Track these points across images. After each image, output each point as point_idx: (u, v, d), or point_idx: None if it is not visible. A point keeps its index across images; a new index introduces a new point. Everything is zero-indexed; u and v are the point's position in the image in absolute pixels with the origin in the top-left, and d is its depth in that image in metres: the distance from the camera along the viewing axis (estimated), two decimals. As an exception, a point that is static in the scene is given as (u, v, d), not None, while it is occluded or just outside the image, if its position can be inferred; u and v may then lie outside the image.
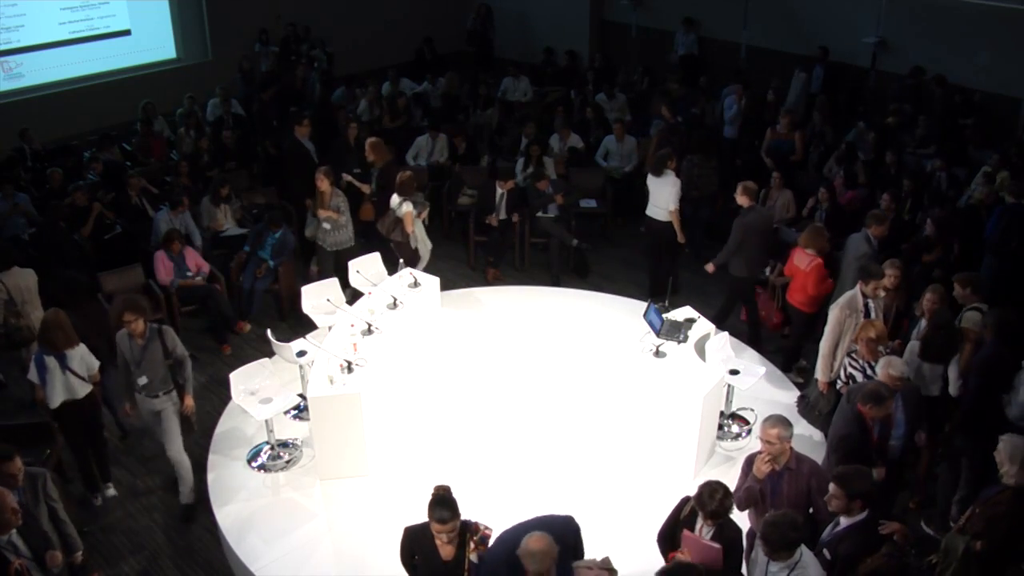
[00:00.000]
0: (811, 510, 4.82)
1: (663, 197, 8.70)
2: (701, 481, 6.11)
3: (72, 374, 6.14)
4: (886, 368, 5.41)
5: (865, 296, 6.49)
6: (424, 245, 8.74)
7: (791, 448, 4.84)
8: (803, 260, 7.43)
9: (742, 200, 7.85)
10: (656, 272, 9.15)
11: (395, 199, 8.44)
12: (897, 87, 11.68)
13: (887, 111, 10.87)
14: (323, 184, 8.45)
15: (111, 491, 6.71)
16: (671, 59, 14.27)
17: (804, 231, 7.64)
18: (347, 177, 9.43)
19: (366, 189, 9.46)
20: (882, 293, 6.52)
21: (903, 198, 8.94)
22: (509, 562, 4.13)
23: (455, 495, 4.36)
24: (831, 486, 4.45)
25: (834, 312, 6.53)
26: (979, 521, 4.92)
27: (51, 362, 6.07)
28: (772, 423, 4.79)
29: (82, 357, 6.20)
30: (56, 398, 6.12)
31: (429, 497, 4.36)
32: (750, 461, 5.01)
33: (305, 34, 14.54)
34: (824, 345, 6.54)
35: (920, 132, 10.63)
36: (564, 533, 4.28)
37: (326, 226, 8.58)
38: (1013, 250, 8.02)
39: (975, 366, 5.96)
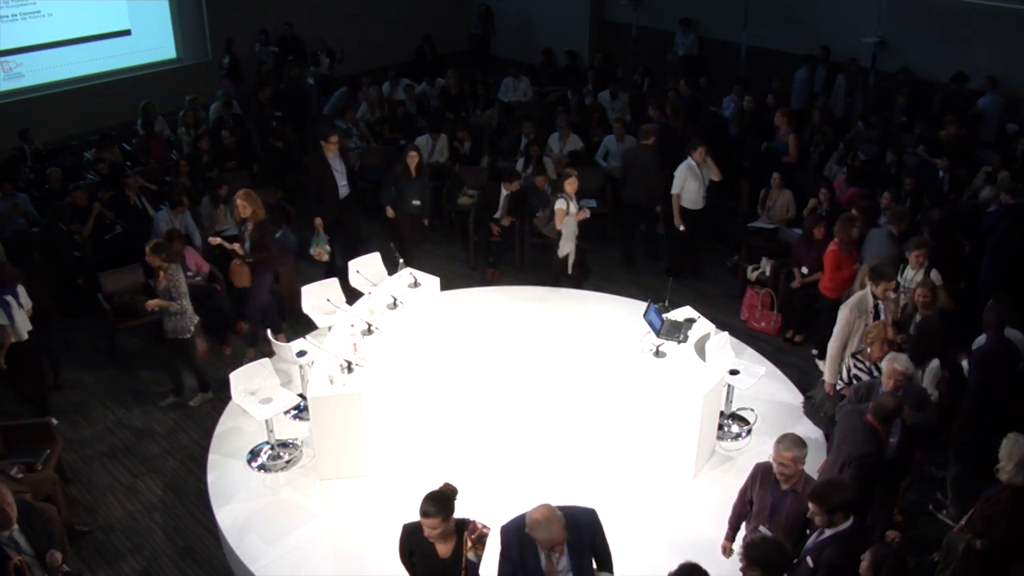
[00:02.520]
0: (808, 531, 4.73)
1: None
2: (701, 481, 6.19)
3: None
4: (892, 363, 5.41)
5: (875, 297, 6.43)
6: (565, 244, 8.70)
7: (803, 471, 4.73)
8: (828, 248, 7.67)
9: (643, 137, 9.71)
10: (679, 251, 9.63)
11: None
12: (941, 96, 11.57)
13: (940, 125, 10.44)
14: (154, 262, 7.07)
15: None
16: (670, 60, 14.27)
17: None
18: (215, 240, 8.10)
19: (238, 250, 7.87)
20: (892, 295, 6.49)
21: (903, 197, 8.94)
22: (521, 542, 4.23)
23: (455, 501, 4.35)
24: (809, 504, 4.36)
25: (843, 313, 6.50)
26: (979, 520, 4.94)
27: (11, 299, 6.78)
28: (787, 445, 4.65)
29: (24, 294, 7.00)
30: (23, 330, 6.89)
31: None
32: (758, 472, 4.90)
33: (294, 41, 14.44)
34: (832, 346, 6.51)
35: (919, 132, 10.63)
36: (581, 525, 4.30)
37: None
38: (1013, 251, 8.02)
39: (976, 359, 6.03)
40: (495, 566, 4.44)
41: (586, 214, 8.84)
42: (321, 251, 8.98)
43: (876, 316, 6.45)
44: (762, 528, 4.74)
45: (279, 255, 8.12)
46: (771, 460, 4.74)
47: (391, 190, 9.21)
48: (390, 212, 9.25)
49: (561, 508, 4.22)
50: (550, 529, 4.08)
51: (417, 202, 9.10)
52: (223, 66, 13.67)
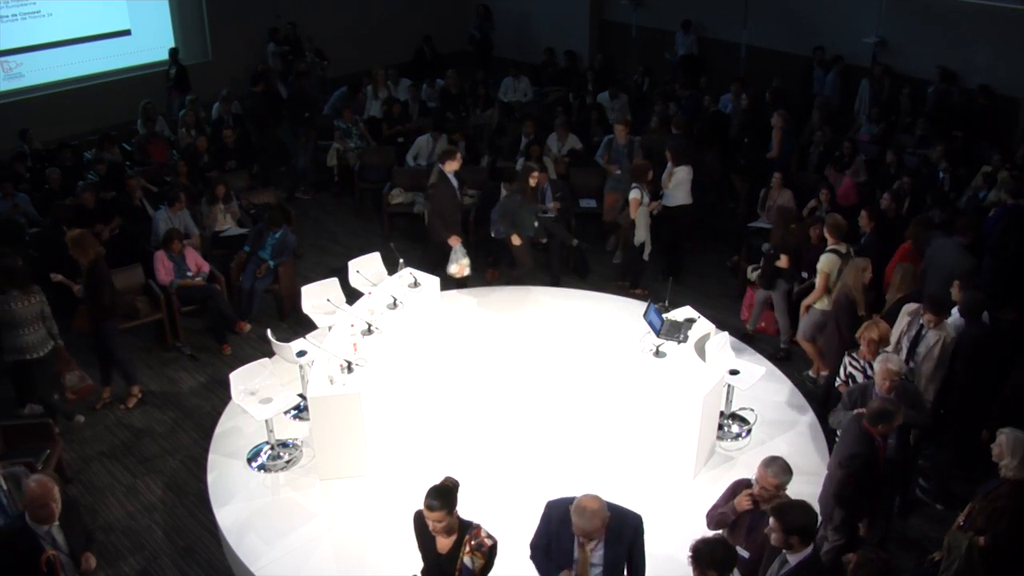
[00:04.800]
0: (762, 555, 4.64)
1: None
2: (701, 482, 6.19)
3: None
4: (884, 363, 5.41)
5: (920, 321, 6.24)
6: (640, 233, 8.80)
7: (784, 495, 4.62)
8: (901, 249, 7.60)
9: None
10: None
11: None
12: (932, 93, 11.58)
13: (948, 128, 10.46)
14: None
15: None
16: (669, 59, 14.27)
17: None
18: (56, 276, 7.62)
19: (75, 291, 7.46)
20: (948, 328, 6.22)
21: (900, 196, 8.96)
22: (562, 520, 4.27)
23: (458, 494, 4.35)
24: (772, 520, 4.24)
25: (903, 313, 6.42)
26: (980, 516, 4.92)
27: None
28: (774, 472, 4.53)
29: None
30: None
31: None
32: (736, 487, 4.84)
33: (297, 40, 14.42)
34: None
35: (920, 132, 10.65)
36: (625, 526, 4.32)
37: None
38: (1012, 251, 8.02)
39: (960, 347, 6.13)
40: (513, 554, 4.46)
41: (658, 206, 8.96)
42: (463, 267, 8.58)
43: (916, 341, 6.25)
44: (739, 548, 4.64)
45: (116, 304, 7.48)
46: (754, 480, 4.63)
47: (508, 219, 8.67)
48: (517, 240, 8.65)
49: (612, 506, 4.27)
50: (591, 520, 4.12)
51: (536, 223, 8.85)
52: (169, 77, 13.18)
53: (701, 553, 4.02)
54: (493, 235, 9.12)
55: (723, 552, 4.03)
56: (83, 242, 7.19)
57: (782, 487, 4.57)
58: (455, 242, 8.56)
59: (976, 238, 7.71)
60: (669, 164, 9.15)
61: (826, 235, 7.44)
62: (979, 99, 11.15)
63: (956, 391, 6.14)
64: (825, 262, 7.26)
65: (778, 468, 4.57)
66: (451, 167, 8.61)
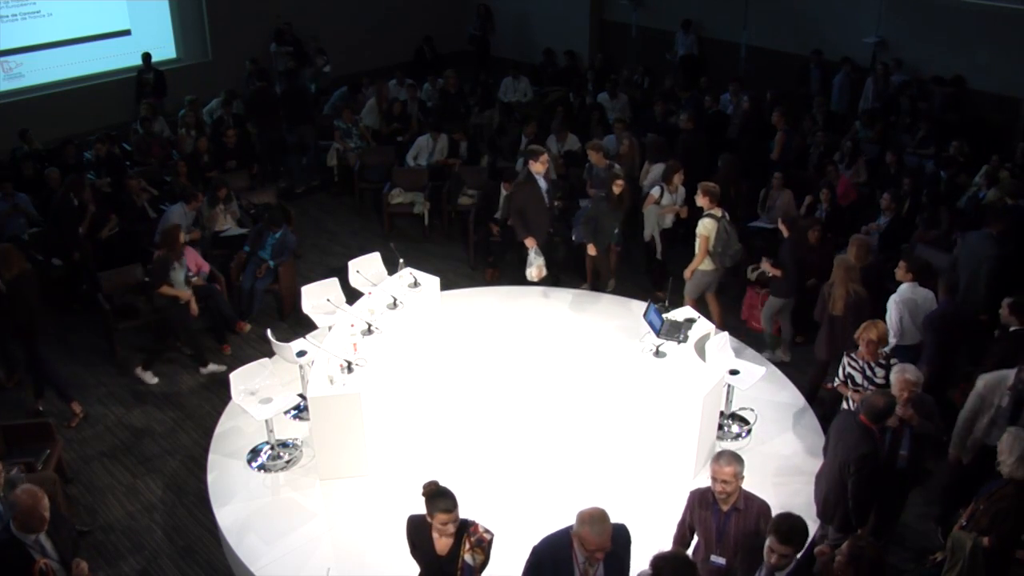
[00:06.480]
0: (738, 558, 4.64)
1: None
2: (701, 481, 6.18)
3: None
4: (902, 374, 5.38)
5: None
6: (647, 231, 8.95)
7: (741, 487, 4.63)
8: None
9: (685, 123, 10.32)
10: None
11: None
12: (940, 96, 11.59)
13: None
14: None
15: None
16: (669, 59, 14.28)
17: None
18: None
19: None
20: None
21: (902, 197, 8.96)
22: (554, 557, 4.14)
23: (455, 493, 4.33)
24: (774, 542, 4.14)
25: (980, 386, 5.81)
26: (984, 516, 4.90)
27: None
28: (727, 460, 4.53)
29: None
30: None
31: (423, 497, 4.32)
32: (693, 500, 4.80)
33: (295, 41, 14.41)
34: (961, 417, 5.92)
35: (921, 133, 10.64)
36: (617, 540, 4.16)
37: None
38: (1011, 252, 8.00)
39: (928, 322, 6.42)
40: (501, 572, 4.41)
41: (675, 211, 8.90)
42: (540, 268, 8.36)
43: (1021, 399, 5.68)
44: (713, 557, 4.64)
45: (35, 328, 7.13)
46: (711, 478, 4.60)
47: (591, 225, 8.49)
48: (593, 250, 8.55)
49: None
50: (604, 528, 3.97)
51: (617, 230, 8.70)
52: (147, 83, 13.00)
53: (663, 572, 3.94)
54: (574, 239, 9.05)
55: (687, 570, 3.98)
56: (8, 257, 6.89)
57: (739, 475, 4.56)
58: (531, 244, 8.36)
59: (1004, 228, 7.54)
60: (646, 162, 9.28)
61: (700, 201, 7.70)
62: (937, 90, 11.29)
63: (925, 366, 6.21)
64: (702, 226, 7.67)
65: (729, 457, 4.58)
66: (537, 168, 8.32)
